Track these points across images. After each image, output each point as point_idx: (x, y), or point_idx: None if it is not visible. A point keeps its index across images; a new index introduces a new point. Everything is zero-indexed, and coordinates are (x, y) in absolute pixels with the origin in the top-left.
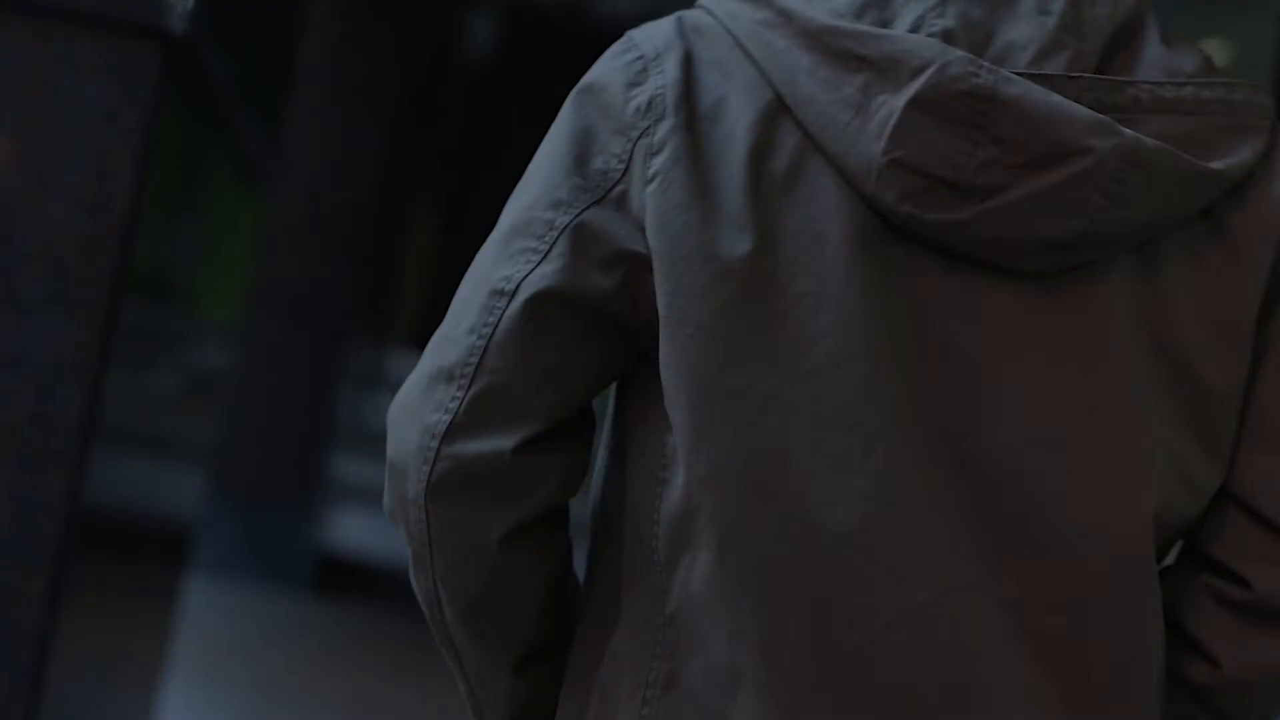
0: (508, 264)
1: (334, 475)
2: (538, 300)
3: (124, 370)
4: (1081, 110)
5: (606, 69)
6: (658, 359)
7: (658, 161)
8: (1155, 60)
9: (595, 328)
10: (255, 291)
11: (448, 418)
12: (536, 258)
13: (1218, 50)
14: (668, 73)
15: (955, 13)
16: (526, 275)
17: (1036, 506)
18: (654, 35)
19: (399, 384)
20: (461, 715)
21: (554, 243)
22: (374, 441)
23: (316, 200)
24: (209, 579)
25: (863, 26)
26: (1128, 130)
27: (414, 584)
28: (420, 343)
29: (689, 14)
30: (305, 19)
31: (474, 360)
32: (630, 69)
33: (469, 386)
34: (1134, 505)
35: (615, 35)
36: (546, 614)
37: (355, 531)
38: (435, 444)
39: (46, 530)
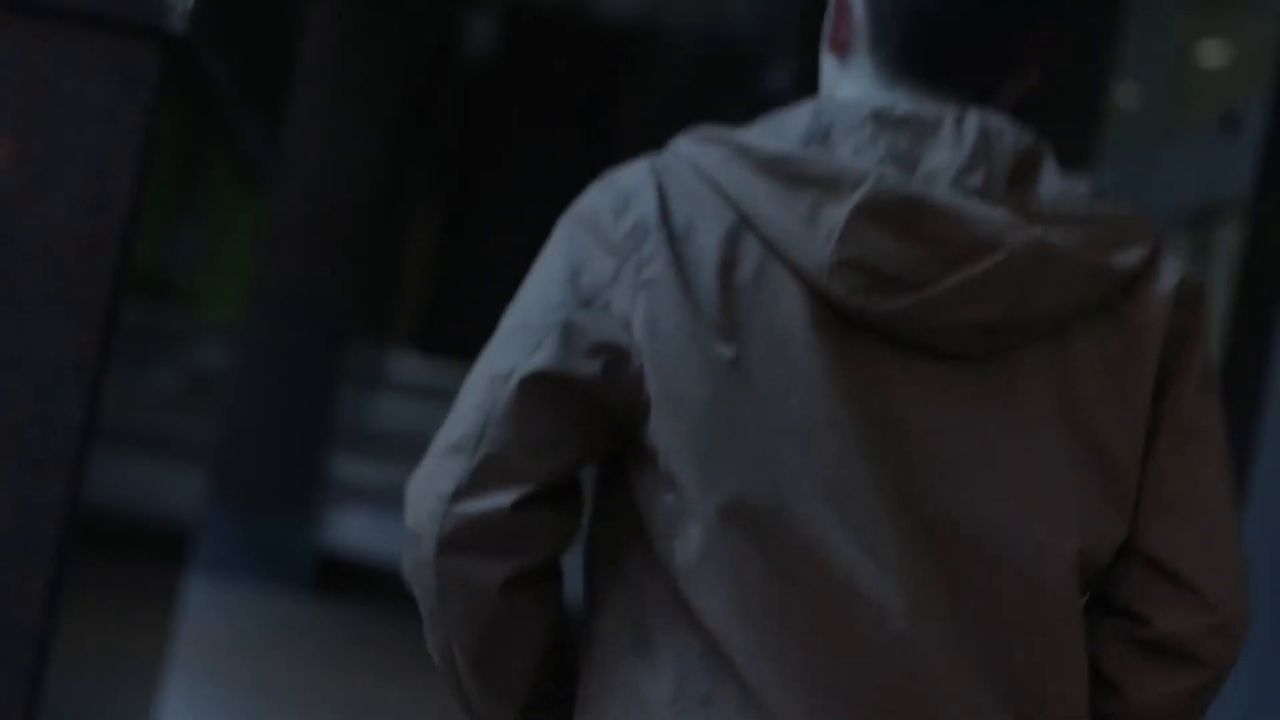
0: (506, 356)
1: (334, 475)
2: (530, 381)
3: (124, 370)
4: (996, 213)
5: (593, 201)
6: (644, 437)
7: (650, 270)
8: (1053, 183)
9: (580, 407)
10: (255, 291)
11: (454, 484)
12: (531, 348)
13: (1218, 50)
14: (647, 202)
15: (885, 143)
16: (521, 362)
17: (983, 555)
18: (631, 174)
19: (399, 384)
20: (461, 714)
21: (546, 336)
22: (374, 441)
23: (316, 200)
24: (209, 579)
25: (809, 153)
26: (1036, 229)
27: (429, 642)
28: (420, 343)
29: (657, 158)
30: (305, 19)
31: (477, 434)
32: (615, 200)
33: (473, 455)
34: (1060, 550)
35: (615, 35)
36: (547, 662)
37: (355, 531)
38: (445, 506)
39: (46, 530)
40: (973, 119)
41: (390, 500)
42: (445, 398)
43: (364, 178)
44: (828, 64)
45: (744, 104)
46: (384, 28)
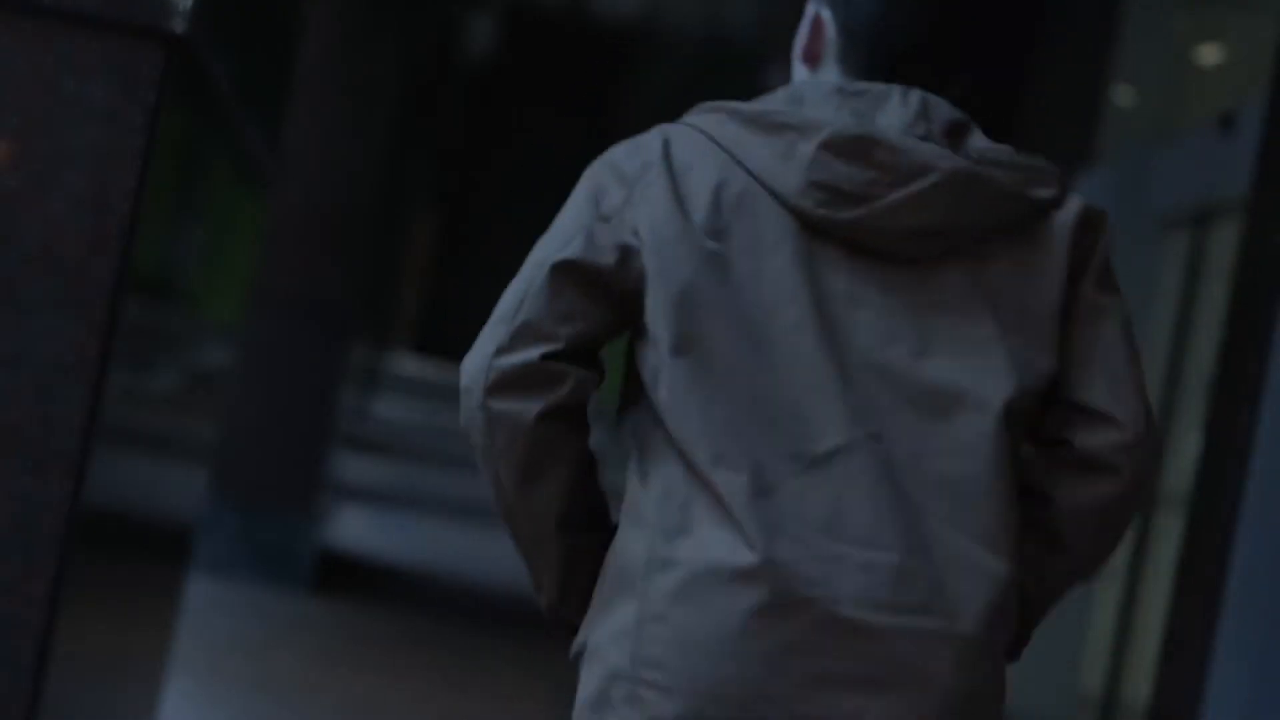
0: (542, 250)
1: (334, 475)
2: (560, 266)
3: (125, 370)
4: (932, 147)
5: (614, 151)
6: (644, 317)
7: (652, 192)
8: (982, 142)
9: (598, 289)
10: (255, 291)
11: (496, 344)
12: (562, 245)
13: (1218, 50)
14: (654, 149)
15: (848, 107)
16: (554, 253)
17: (912, 400)
18: (645, 136)
19: (399, 382)
20: (461, 711)
21: (573, 237)
22: (374, 441)
23: (316, 200)
24: (210, 578)
25: (786, 109)
26: (965, 161)
27: (483, 473)
28: (419, 342)
29: (667, 125)
30: (305, 19)
31: (516, 306)
32: (630, 149)
33: (512, 322)
34: (985, 396)
35: (614, 36)
36: (577, 489)
37: (356, 531)
38: (489, 361)
39: (48, 529)
40: (915, 92)
41: (390, 500)
42: (443, 398)
43: (364, 178)
44: (799, 70)
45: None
46: (384, 28)
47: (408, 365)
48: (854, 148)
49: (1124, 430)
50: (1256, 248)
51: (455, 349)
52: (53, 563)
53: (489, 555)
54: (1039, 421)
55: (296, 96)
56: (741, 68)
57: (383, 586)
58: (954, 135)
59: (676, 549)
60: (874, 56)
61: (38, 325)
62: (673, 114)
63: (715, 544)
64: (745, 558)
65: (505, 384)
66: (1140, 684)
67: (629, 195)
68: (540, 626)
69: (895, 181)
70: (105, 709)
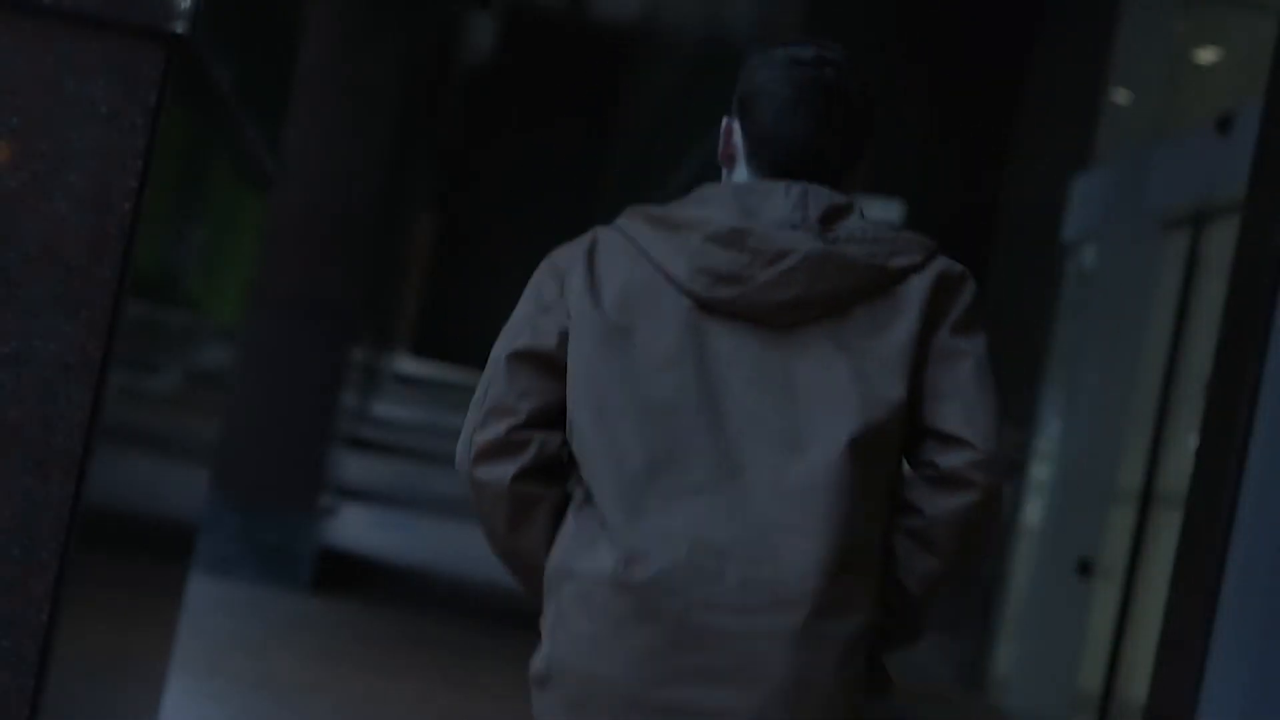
0: (501, 346)
1: (334, 474)
2: (514, 354)
3: (126, 370)
4: (796, 233)
5: (554, 254)
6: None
7: (573, 282)
8: (854, 223)
9: (545, 367)
10: (256, 291)
11: (473, 425)
12: (514, 338)
13: (1216, 51)
14: (582, 249)
15: (739, 205)
16: (508, 346)
17: (776, 442)
18: (578, 240)
19: (398, 380)
20: (461, 710)
21: (521, 331)
22: (374, 440)
23: (317, 201)
24: (211, 577)
25: (683, 210)
26: (820, 243)
27: (485, 535)
28: (419, 341)
29: (599, 228)
30: (306, 20)
31: (484, 392)
32: (566, 252)
33: (482, 406)
34: (838, 434)
35: (613, 36)
36: (556, 526)
37: (356, 530)
38: (469, 438)
39: (50, 528)
40: (798, 186)
41: (390, 500)
42: (443, 397)
43: (364, 179)
44: (724, 171)
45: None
46: (385, 28)
47: (408, 363)
48: (731, 238)
49: (977, 451)
50: (1254, 248)
51: (454, 350)
52: (54, 562)
53: (489, 554)
54: (912, 448)
55: (297, 97)
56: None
57: (383, 586)
58: (830, 219)
59: (579, 563)
60: (775, 157)
61: (40, 325)
62: (672, 115)
63: (602, 561)
64: (620, 573)
65: (483, 456)
66: (1137, 683)
67: (561, 287)
68: (539, 626)
69: (764, 264)
70: (107, 707)
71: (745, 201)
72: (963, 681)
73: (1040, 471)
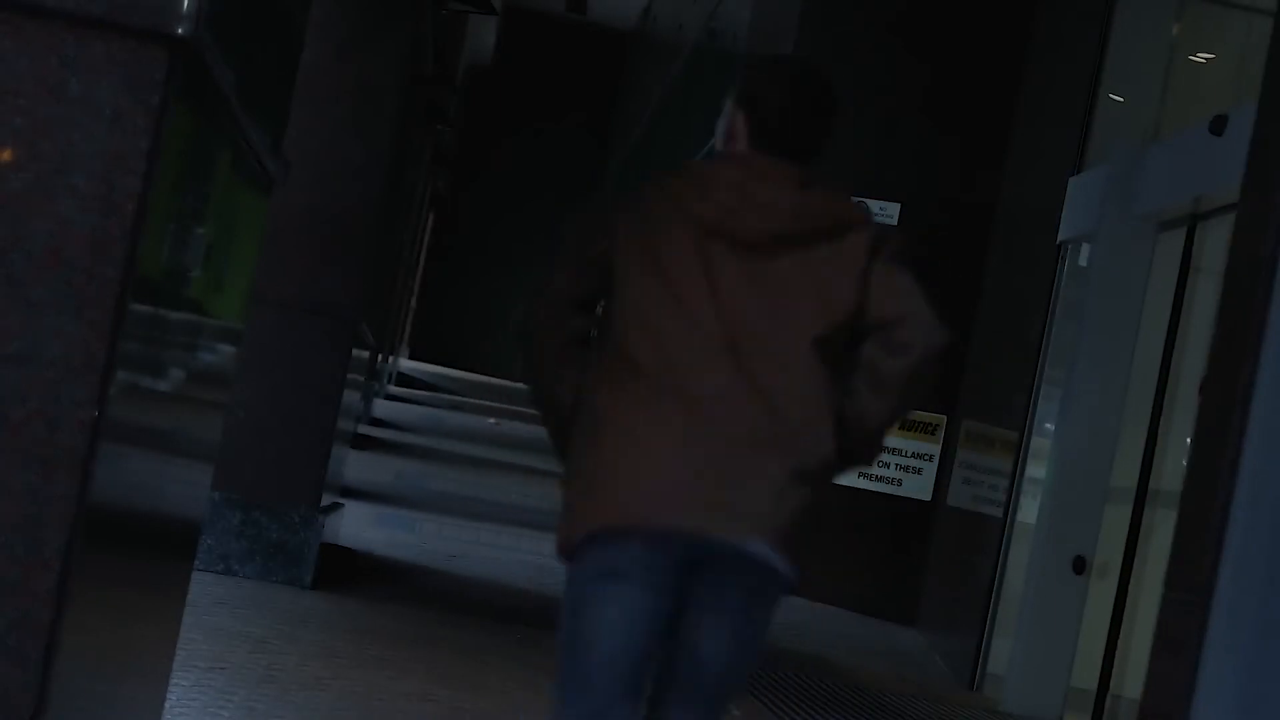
0: (561, 252)
1: (337, 472)
2: (574, 255)
3: (131, 369)
4: (780, 188)
5: (610, 204)
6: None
7: (621, 217)
8: (820, 189)
9: (597, 266)
10: (259, 291)
11: (534, 294)
12: (570, 245)
13: (1210, 53)
14: (617, 204)
15: (744, 169)
16: (568, 244)
17: (760, 340)
18: (610, 202)
19: (398, 379)
20: (462, 708)
21: (577, 239)
22: (374, 438)
23: (317, 200)
24: (214, 574)
25: (707, 168)
26: (798, 197)
27: (536, 389)
28: (418, 341)
29: (645, 184)
30: (308, 21)
31: (551, 281)
32: (622, 199)
33: (542, 286)
34: (803, 333)
35: (614, 36)
36: (575, 382)
37: (359, 528)
38: (536, 306)
39: (55, 526)
40: (783, 162)
41: (391, 498)
42: (442, 397)
43: (365, 178)
44: (720, 146)
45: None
46: (385, 28)
47: (408, 363)
48: (736, 187)
49: (914, 319)
50: (1247, 248)
51: (452, 350)
52: (59, 559)
53: (491, 553)
54: (871, 333)
55: (298, 97)
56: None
57: (385, 582)
58: (805, 184)
59: (626, 412)
60: (772, 144)
61: (44, 325)
62: (672, 115)
63: (650, 407)
64: (665, 416)
65: (536, 322)
66: (1133, 680)
67: (602, 225)
68: (541, 624)
69: (758, 206)
70: (111, 703)
71: (750, 166)
72: (959, 679)
73: (1036, 470)
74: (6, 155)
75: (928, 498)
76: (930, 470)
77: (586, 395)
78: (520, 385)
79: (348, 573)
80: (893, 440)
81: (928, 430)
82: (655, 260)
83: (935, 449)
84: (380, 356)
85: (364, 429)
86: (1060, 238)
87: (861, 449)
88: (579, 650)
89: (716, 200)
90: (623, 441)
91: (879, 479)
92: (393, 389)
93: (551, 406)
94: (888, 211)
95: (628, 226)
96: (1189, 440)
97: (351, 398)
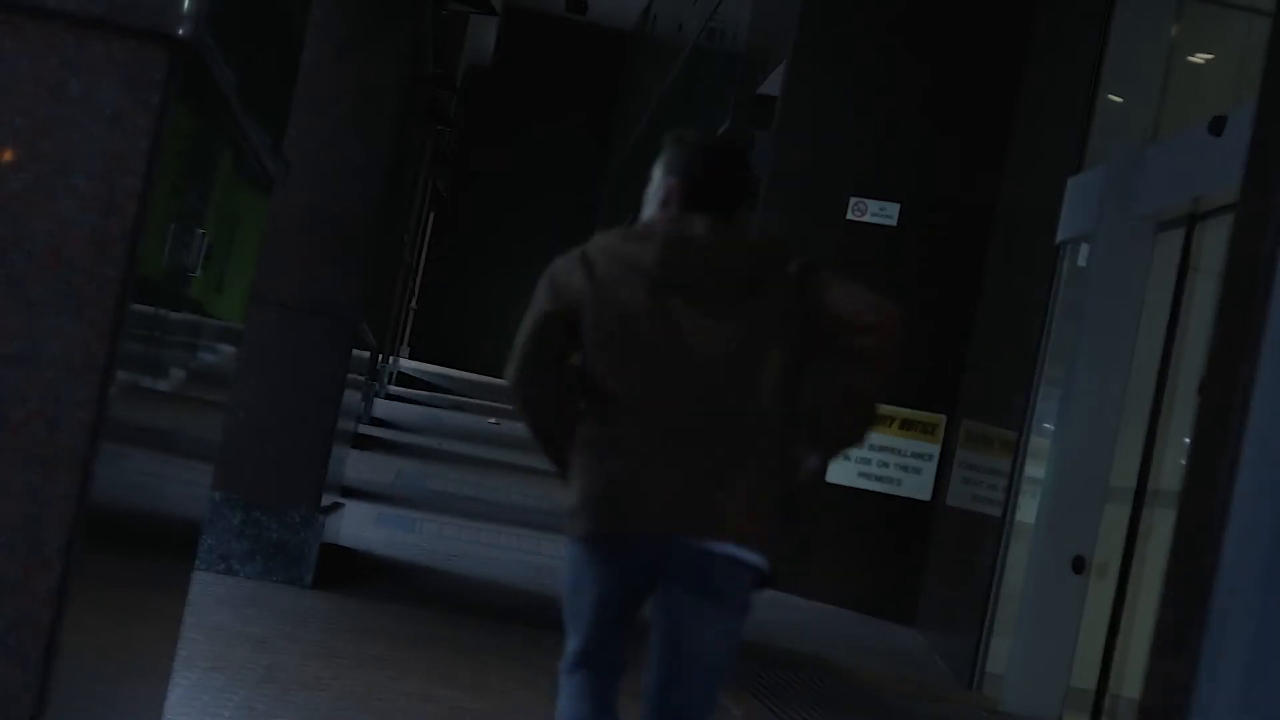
0: (531, 312)
1: (337, 472)
2: (542, 315)
3: (131, 369)
4: (713, 240)
5: (556, 267)
6: (584, 337)
7: (578, 277)
8: (749, 233)
9: (561, 325)
10: (257, 291)
11: (514, 360)
12: (541, 305)
13: (1209, 53)
14: (575, 259)
15: (676, 226)
16: (539, 309)
17: (716, 371)
18: (570, 255)
19: (399, 379)
20: (462, 708)
21: (543, 303)
22: (375, 438)
23: (317, 200)
24: (214, 574)
25: (645, 228)
26: (731, 243)
27: (525, 422)
28: (419, 341)
29: (584, 246)
30: (308, 21)
31: (528, 344)
32: (563, 263)
33: (521, 349)
34: (758, 362)
35: (614, 36)
36: (568, 421)
37: (358, 528)
38: (520, 368)
39: (55, 526)
40: (708, 215)
41: (389, 498)
42: (442, 398)
43: (365, 178)
44: (651, 211)
45: (738, 108)
46: (385, 27)
47: (408, 363)
48: (678, 243)
49: (868, 310)
50: (1246, 248)
51: (452, 350)
52: (59, 559)
53: (491, 553)
54: (835, 335)
55: (298, 97)
56: (736, 74)
57: (385, 582)
58: (737, 231)
59: (605, 441)
60: (700, 201)
61: (44, 325)
62: (672, 116)
63: (624, 437)
64: (638, 444)
65: (519, 382)
66: (1132, 680)
67: (569, 280)
68: (541, 624)
69: (698, 259)
70: (111, 703)
71: (684, 223)
72: (959, 679)
73: (1036, 470)
74: (7, 155)
75: (927, 497)
76: (930, 470)
77: (578, 428)
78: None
79: (348, 573)
80: (892, 440)
81: (927, 430)
82: (618, 313)
83: (935, 449)
84: (380, 356)
85: (364, 429)
86: (1060, 238)
87: (852, 425)
88: (576, 596)
89: (662, 256)
90: (604, 465)
91: (879, 479)
92: (393, 389)
93: (548, 444)
94: (888, 212)
95: (584, 284)
96: (1188, 440)
97: (352, 398)
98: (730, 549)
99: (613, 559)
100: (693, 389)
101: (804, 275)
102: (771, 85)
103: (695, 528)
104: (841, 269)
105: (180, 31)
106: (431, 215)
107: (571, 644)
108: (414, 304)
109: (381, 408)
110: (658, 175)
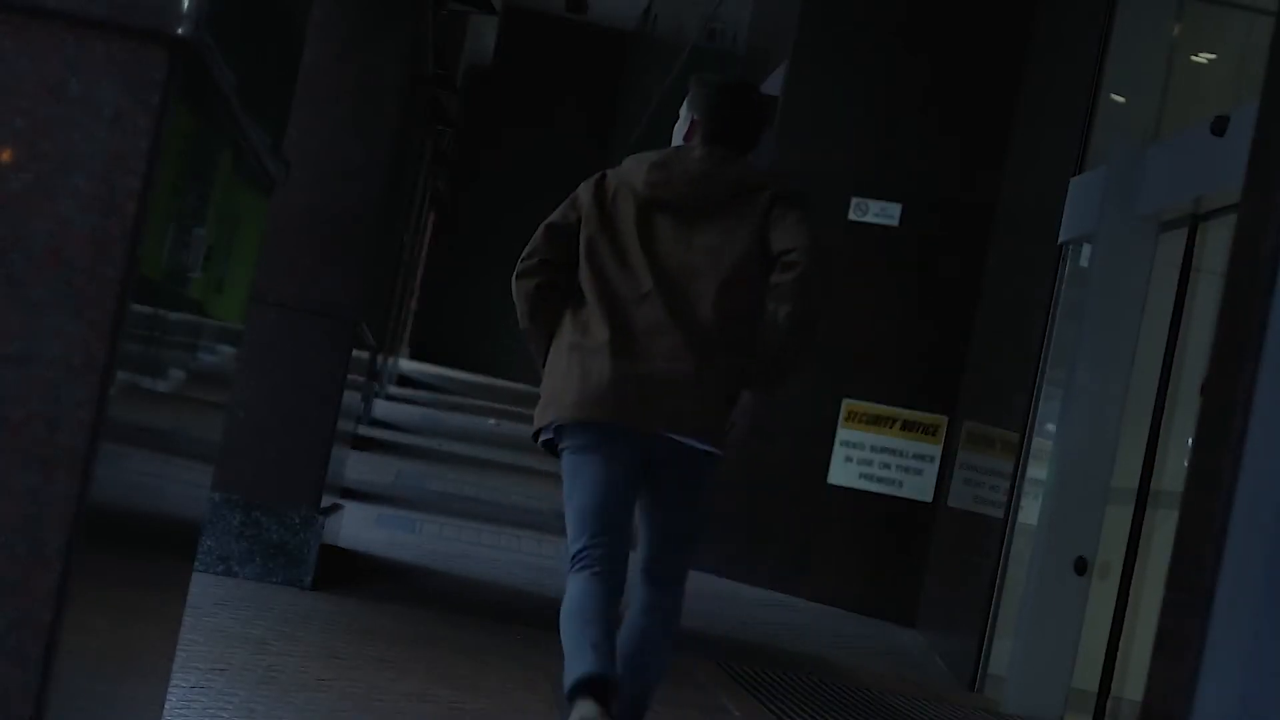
0: (545, 223)
1: (337, 473)
2: (549, 225)
3: (131, 369)
4: (701, 164)
5: (581, 188)
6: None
7: (586, 195)
8: (739, 164)
9: (568, 232)
10: (257, 291)
11: (523, 257)
12: (551, 218)
13: (1212, 53)
14: (592, 180)
15: (675, 153)
16: (549, 218)
17: (691, 275)
18: (591, 178)
19: (399, 380)
20: (462, 708)
21: (557, 215)
22: (375, 439)
23: (317, 200)
24: (214, 574)
25: (645, 155)
26: (714, 170)
27: (521, 322)
28: (419, 341)
29: (608, 170)
30: (308, 21)
31: (533, 245)
32: (584, 185)
33: (529, 248)
34: (728, 265)
35: (614, 36)
36: (552, 319)
37: (358, 528)
38: (519, 265)
39: (55, 526)
40: (713, 145)
41: (389, 498)
42: (443, 398)
43: (365, 177)
44: (678, 139)
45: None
46: (385, 27)
47: (408, 363)
48: (665, 165)
49: (792, 250)
50: (1249, 248)
51: (453, 350)
52: (59, 560)
53: (491, 553)
54: (773, 264)
55: (298, 97)
56: (737, 73)
57: (385, 584)
58: (726, 162)
59: (582, 338)
60: (714, 138)
61: (44, 325)
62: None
63: (598, 334)
64: (609, 341)
65: (523, 273)
66: (1134, 681)
67: (578, 199)
68: (541, 624)
69: (683, 178)
70: (111, 704)
71: (679, 152)
72: (959, 680)
73: (1037, 471)
74: (6, 155)
75: (928, 499)
76: (931, 471)
77: (560, 326)
78: (518, 384)
79: (348, 573)
80: (894, 441)
81: (928, 431)
82: (607, 225)
83: (936, 450)
84: (381, 357)
85: (364, 429)
86: (1061, 238)
87: (779, 357)
88: (574, 500)
89: (653, 178)
90: (579, 360)
91: (880, 480)
92: (393, 389)
93: (534, 336)
94: (889, 212)
95: (590, 200)
96: (1190, 441)
97: (352, 398)
98: (702, 444)
99: (600, 446)
100: (665, 297)
101: (770, 205)
102: (772, 85)
103: (675, 425)
104: (844, 269)
105: (180, 31)
106: (432, 215)
107: (574, 547)
108: (414, 304)
109: (382, 408)
110: (684, 111)
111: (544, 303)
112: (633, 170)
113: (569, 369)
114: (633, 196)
